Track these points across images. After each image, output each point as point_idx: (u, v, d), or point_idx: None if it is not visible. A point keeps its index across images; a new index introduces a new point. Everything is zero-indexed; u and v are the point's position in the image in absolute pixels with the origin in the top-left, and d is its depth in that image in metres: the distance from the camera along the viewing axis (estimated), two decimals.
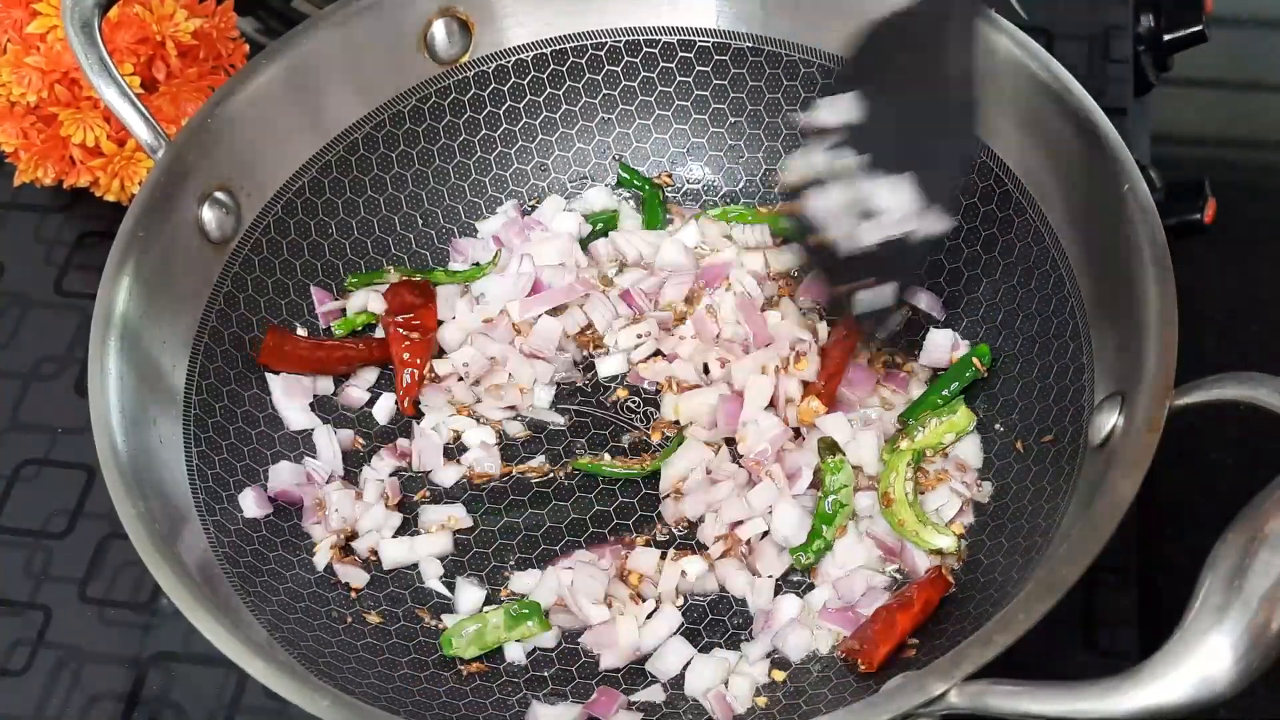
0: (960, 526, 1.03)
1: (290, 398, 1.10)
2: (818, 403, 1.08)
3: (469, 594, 1.04)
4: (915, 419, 1.07)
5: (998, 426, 1.07)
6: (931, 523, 1.02)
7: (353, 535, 1.07)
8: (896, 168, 0.97)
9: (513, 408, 1.12)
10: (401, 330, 1.11)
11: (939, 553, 1.02)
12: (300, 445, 1.10)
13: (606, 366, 1.13)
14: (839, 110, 1.00)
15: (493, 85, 1.18)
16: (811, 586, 1.03)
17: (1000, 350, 1.09)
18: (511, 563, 1.06)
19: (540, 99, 1.20)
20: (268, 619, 0.97)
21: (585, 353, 1.14)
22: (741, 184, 1.20)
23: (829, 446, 1.05)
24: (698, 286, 1.15)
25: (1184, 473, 1.14)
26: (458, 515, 1.07)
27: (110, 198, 1.24)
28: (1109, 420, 0.94)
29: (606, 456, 1.10)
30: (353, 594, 1.04)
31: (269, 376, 1.10)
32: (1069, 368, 1.02)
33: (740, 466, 1.07)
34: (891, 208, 0.98)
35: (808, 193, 1.02)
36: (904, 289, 1.04)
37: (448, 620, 1.03)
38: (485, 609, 1.03)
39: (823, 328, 1.13)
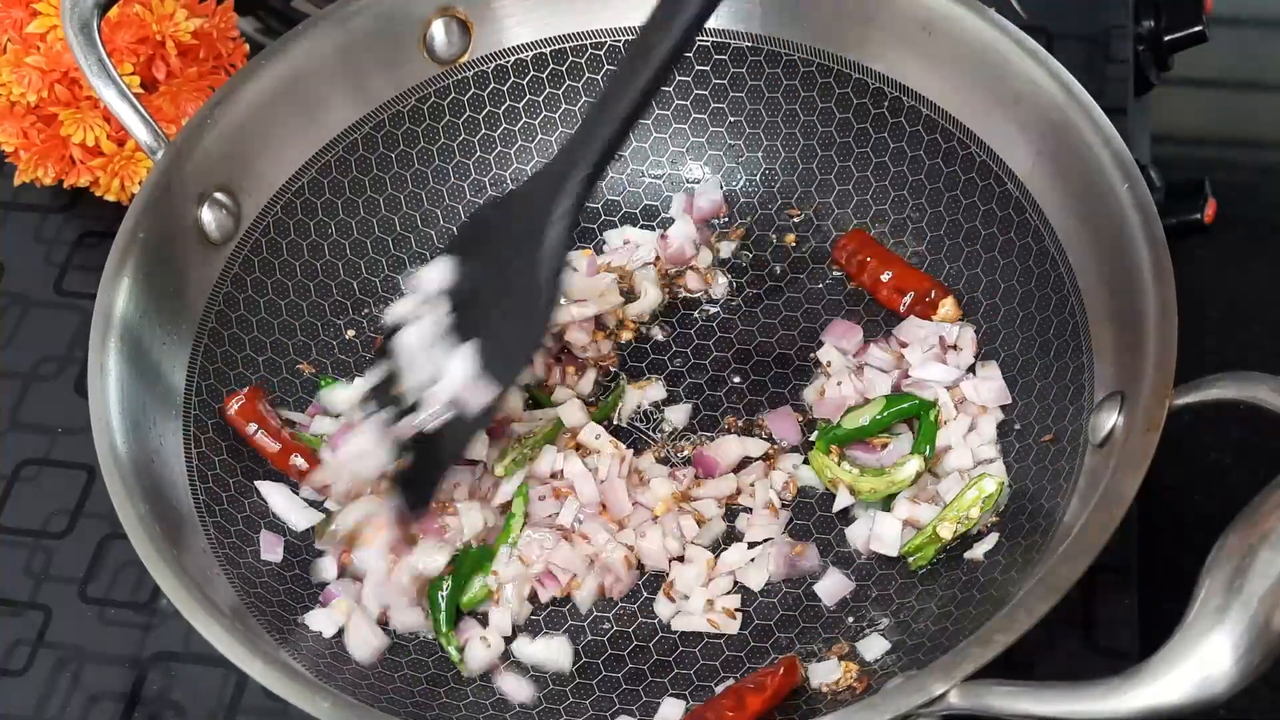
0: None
1: (291, 506, 1.07)
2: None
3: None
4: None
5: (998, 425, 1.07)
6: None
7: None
8: (467, 334, 0.98)
9: None
10: None
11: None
12: None
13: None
14: (437, 274, 1.01)
15: (492, 85, 1.18)
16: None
17: (1000, 350, 1.09)
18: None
19: (540, 99, 1.19)
20: (268, 620, 0.97)
21: None
22: (741, 184, 1.20)
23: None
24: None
25: (1184, 473, 1.14)
26: None
27: (110, 197, 1.24)
28: (1109, 420, 0.94)
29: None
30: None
31: (265, 487, 1.07)
32: (1069, 367, 1.02)
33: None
34: (454, 371, 0.97)
35: (399, 334, 1.02)
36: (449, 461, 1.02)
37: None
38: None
39: None
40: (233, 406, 1.06)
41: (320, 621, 1.00)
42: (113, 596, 1.10)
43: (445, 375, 0.99)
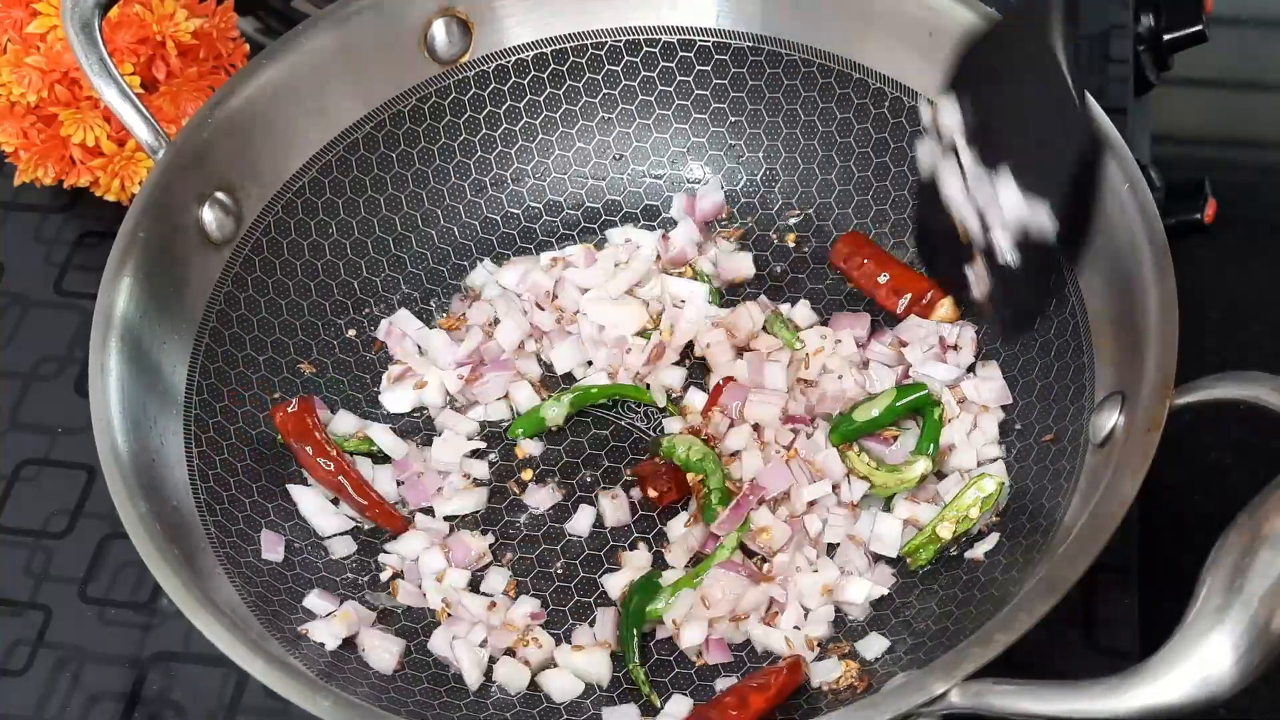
0: None
1: (321, 510, 1.07)
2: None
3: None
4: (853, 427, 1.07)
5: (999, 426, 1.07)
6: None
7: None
8: (994, 162, 0.97)
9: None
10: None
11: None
12: None
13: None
14: (948, 117, 1.00)
15: (493, 85, 1.18)
16: None
17: (1000, 350, 1.09)
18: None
19: (540, 99, 1.19)
20: (268, 618, 0.97)
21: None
22: (741, 184, 1.20)
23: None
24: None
25: (1184, 473, 1.14)
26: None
27: (110, 198, 1.24)
28: (1109, 419, 0.94)
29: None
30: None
31: (296, 490, 1.07)
32: (1069, 367, 1.02)
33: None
34: (1003, 202, 0.97)
35: (936, 181, 1.02)
36: (1044, 283, 1.02)
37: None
38: None
39: None
40: (279, 416, 1.06)
41: (320, 633, 0.99)
42: (113, 596, 1.10)
43: (998, 209, 0.97)
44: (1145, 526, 1.06)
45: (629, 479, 1.08)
